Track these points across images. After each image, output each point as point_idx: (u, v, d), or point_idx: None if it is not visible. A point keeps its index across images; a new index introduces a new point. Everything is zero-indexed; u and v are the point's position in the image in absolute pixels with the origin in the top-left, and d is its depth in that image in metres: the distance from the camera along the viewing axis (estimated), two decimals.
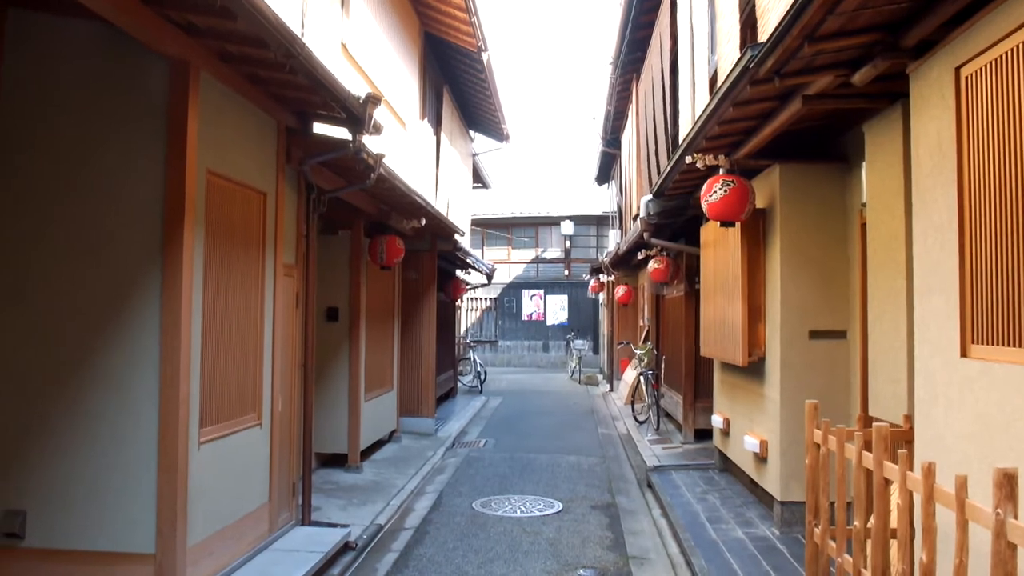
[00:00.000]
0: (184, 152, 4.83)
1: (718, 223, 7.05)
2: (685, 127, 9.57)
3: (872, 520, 3.91)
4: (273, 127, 6.30)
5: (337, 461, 9.55)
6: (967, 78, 3.85)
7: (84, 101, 4.93)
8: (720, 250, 8.02)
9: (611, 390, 19.93)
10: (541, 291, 29.91)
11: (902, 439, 4.56)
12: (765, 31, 6.03)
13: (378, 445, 11.00)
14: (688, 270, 11.28)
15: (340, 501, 7.99)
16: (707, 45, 8.93)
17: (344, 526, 6.86)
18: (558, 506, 8.20)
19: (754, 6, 7.35)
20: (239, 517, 5.70)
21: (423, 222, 10.40)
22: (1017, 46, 3.44)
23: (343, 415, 9.54)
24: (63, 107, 4.94)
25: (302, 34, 7.37)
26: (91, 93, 4.94)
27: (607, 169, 24.36)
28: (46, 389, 4.83)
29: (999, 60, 3.57)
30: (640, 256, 13.52)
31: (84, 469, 4.79)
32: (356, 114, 6.05)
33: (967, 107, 3.85)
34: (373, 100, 6.08)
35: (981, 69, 3.72)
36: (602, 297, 25.28)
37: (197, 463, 5.01)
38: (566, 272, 29.93)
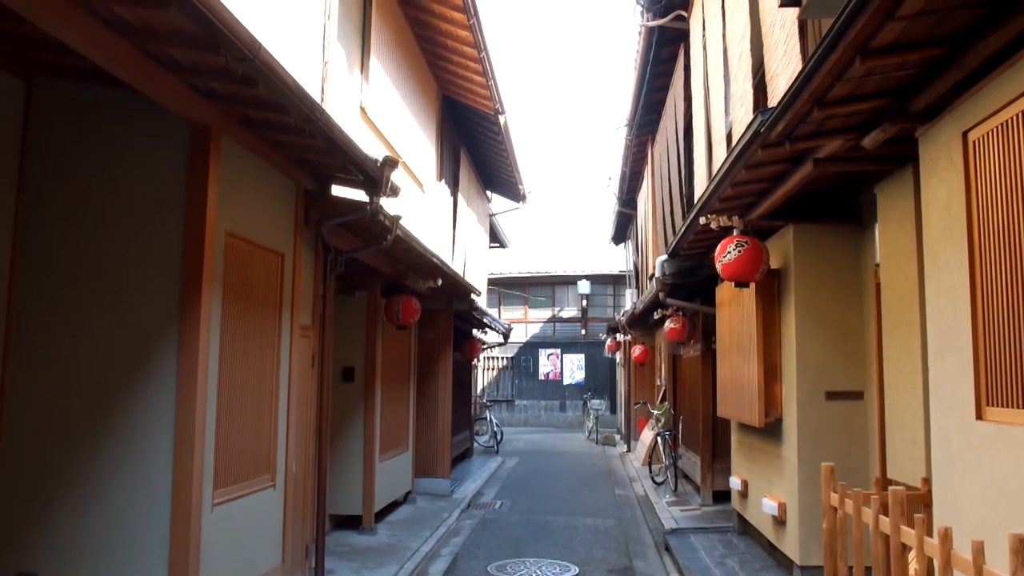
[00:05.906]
0: (204, 214, 4.91)
1: (733, 283, 7.06)
2: (700, 188, 9.66)
3: None
4: (292, 189, 6.41)
5: (351, 523, 9.47)
6: (975, 142, 3.89)
7: (107, 164, 5.03)
8: (735, 310, 8.01)
9: (628, 450, 19.73)
10: (558, 350, 29.85)
11: (920, 502, 4.49)
12: (775, 95, 6.13)
13: (393, 506, 10.91)
14: (704, 330, 11.24)
15: (354, 564, 7.90)
16: (722, 107, 9.04)
17: None
18: (574, 570, 8.08)
19: (764, 71, 7.46)
20: None
21: (439, 282, 10.47)
22: (1023, 111, 3.49)
23: (358, 476, 9.49)
24: (86, 169, 5.03)
25: (322, 99, 7.53)
26: (114, 156, 5.03)
27: (623, 229, 24.47)
28: (60, 450, 4.84)
29: (1005, 125, 3.62)
30: (656, 315, 13.52)
31: (96, 531, 4.77)
32: (373, 176, 6.15)
33: (975, 170, 3.89)
34: (390, 163, 6.18)
35: (988, 133, 3.76)
36: (619, 356, 25.18)
37: (210, 525, 4.99)
38: (583, 331, 29.89)
